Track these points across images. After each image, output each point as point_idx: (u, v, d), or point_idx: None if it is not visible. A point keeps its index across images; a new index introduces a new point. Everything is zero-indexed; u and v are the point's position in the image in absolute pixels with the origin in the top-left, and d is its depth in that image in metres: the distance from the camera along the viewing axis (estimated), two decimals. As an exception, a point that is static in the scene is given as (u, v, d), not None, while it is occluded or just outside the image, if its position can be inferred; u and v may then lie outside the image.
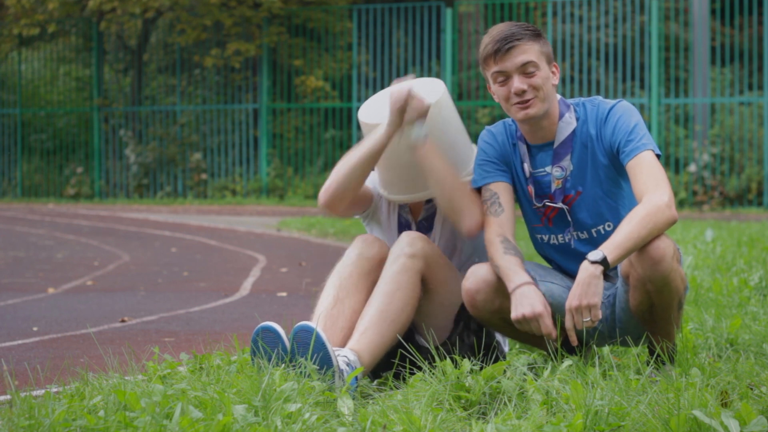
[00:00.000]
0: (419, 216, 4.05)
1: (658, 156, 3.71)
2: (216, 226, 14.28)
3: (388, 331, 3.69)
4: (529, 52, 3.71)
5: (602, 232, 3.80)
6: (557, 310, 3.78)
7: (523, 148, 3.84)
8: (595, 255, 3.52)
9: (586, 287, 3.52)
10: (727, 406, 3.12)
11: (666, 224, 3.56)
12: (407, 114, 3.76)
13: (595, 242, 3.77)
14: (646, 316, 3.67)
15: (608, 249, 3.52)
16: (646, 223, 3.53)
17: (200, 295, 7.22)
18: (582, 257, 3.62)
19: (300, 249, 11.03)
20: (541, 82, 3.73)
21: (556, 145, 3.80)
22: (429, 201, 4.03)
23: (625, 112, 3.75)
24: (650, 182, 3.61)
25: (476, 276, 3.71)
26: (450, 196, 3.81)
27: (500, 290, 3.69)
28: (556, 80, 3.77)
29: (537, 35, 3.73)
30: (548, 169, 3.83)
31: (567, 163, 3.79)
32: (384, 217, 4.08)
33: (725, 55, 18.47)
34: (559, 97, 3.83)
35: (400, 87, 3.78)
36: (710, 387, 3.33)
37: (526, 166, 3.84)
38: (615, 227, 3.74)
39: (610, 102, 3.79)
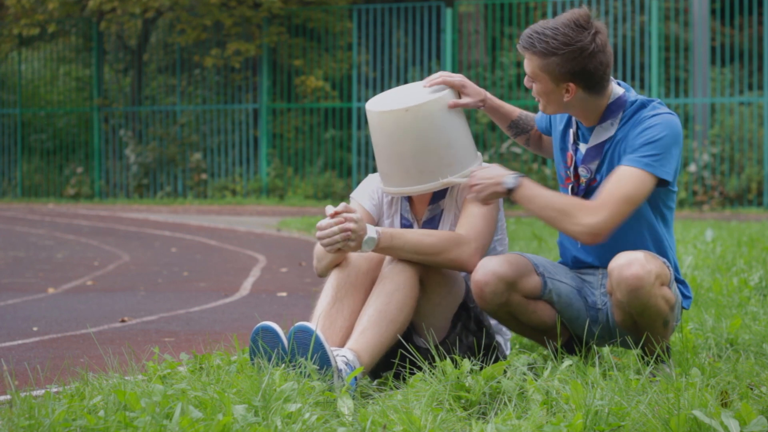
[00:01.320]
0: (422, 217, 4.03)
1: (664, 182, 3.65)
2: (216, 226, 14.28)
3: (387, 330, 3.69)
4: (530, 64, 3.71)
5: None
6: (563, 310, 3.80)
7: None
8: (511, 179, 3.66)
9: (484, 173, 3.70)
10: (727, 406, 3.12)
11: (571, 233, 3.61)
12: (346, 246, 3.73)
13: None
14: (632, 329, 3.72)
15: (523, 189, 3.64)
16: (558, 213, 3.60)
17: (200, 295, 7.22)
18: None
19: (300, 249, 11.03)
20: (537, 93, 3.75)
21: (589, 145, 3.80)
22: (433, 202, 4.01)
23: (658, 126, 3.66)
24: (602, 197, 3.61)
25: (486, 268, 3.71)
26: (434, 262, 3.82)
27: (509, 283, 3.70)
28: (567, 98, 3.71)
29: (548, 53, 3.65)
30: (582, 148, 3.83)
31: (594, 166, 3.79)
32: (387, 223, 4.07)
33: (725, 55, 18.47)
34: (621, 93, 3.76)
35: (321, 231, 3.72)
36: (710, 387, 3.34)
37: (571, 132, 3.86)
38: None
39: (658, 110, 3.71)
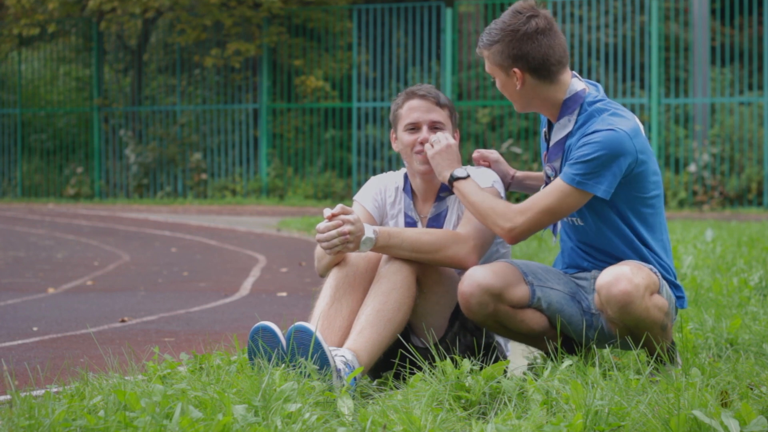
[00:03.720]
0: (428, 214, 4.04)
1: (600, 197, 3.68)
2: (216, 226, 14.28)
3: (385, 330, 3.69)
4: (486, 61, 3.77)
5: (571, 223, 3.85)
6: (554, 317, 3.78)
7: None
8: (459, 172, 3.82)
9: (437, 150, 3.87)
10: (727, 406, 3.12)
11: (494, 233, 3.80)
12: (345, 248, 3.75)
13: (568, 226, 3.86)
14: (630, 337, 3.71)
15: (461, 183, 3.77)
16: (484, 213, 3.73)
17: (200, 295, 7.22)
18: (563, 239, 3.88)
19: (300, 249, 11.03)
20: (501, 91, 3.81)
21: (552, 143, 3.81)
22: (439, 198, 4.02)
23: (594, 144, 3.65)
24: (526, 203, 3.73)
25: (471, 279, 3.71)
26: (432, 260, 3.84)
27: (495, 294, 3.69)
28: (519, 86, 3.74)
29: (492, 44, 3.73)
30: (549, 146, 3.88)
31: (557, 163, 3.80)
32: (391, 223, 4.07)
33: (725, 55, 18.47)
34: (579, 89, 3.76)
35: (321, 235, 3.74)
36: (710, 387, 3.34)
37: (543, 132, 3.89)
38: (583, 222, 3.78)
39: (605, 123, 3.68)
